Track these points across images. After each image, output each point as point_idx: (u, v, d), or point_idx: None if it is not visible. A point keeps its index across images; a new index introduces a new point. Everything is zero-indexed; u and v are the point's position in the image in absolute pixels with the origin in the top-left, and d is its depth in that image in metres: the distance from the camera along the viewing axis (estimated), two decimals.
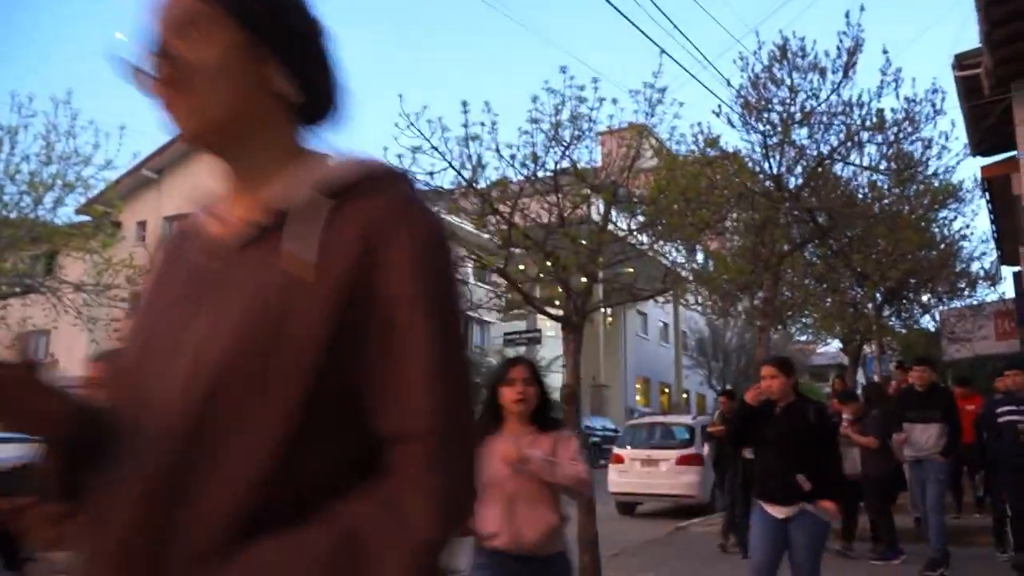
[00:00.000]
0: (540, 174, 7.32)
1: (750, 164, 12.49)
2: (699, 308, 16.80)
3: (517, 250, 7.48)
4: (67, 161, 16.84)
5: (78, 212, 18.46)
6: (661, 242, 12.07)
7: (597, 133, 8.27)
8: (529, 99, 7.48)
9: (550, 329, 37.83)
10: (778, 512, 5.09)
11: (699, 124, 12.02)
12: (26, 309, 17.37)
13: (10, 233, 16.72)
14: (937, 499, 8.35)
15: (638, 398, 43.26)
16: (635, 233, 8.22)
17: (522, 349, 31.58)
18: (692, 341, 40.07)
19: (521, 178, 7.30)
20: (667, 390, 45.19)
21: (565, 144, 7.10)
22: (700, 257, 13.70)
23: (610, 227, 8.07)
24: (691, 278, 11.45)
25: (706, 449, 12.93)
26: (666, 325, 45.29)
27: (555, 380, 35.46)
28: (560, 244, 7.75)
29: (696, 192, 8.79)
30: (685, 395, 44.57)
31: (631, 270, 9.35)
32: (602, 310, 39.87)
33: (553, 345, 37.12)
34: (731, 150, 12.30)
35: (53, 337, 27.68)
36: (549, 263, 7.36)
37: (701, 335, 38.10)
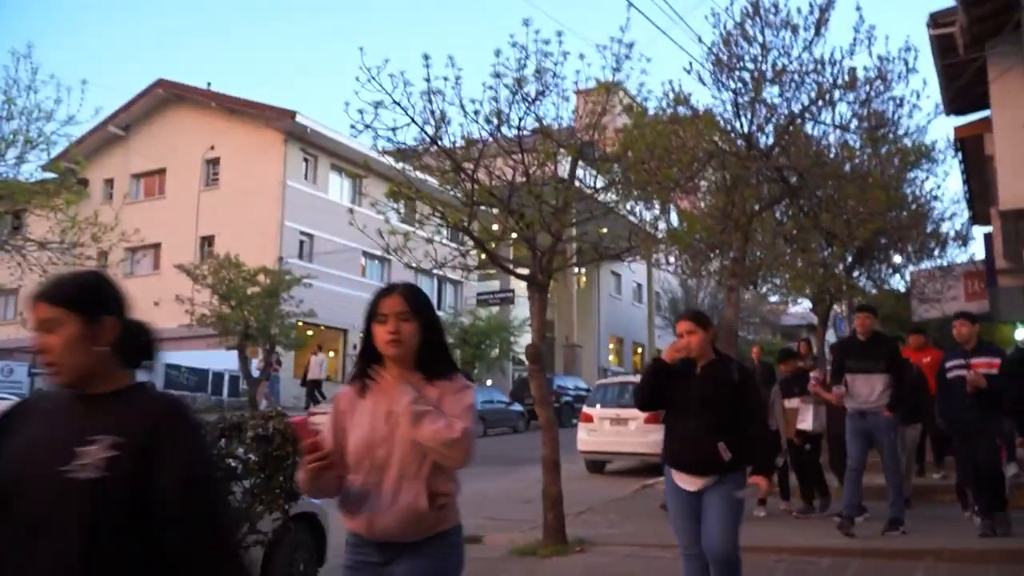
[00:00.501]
0: (505, 130, 7.17)
1: (721, 123, 12.38)
2: (670, 268, 16.78)
3: (481, 208, 7.36)
4: (28, 116, 16.44)
5: (44, 169, 18.12)
6: (632, 202, 12.00)
7: (573, 91, 8.13)
8: (501, 51, 7.30)
9: (524, 289, 37.88)
10: (690, 484, 4.52)
11: (670, 82, 11.88)
12: None
13: None
14: (890, 456, 7.73)
15: (611, 358, 43.47)
16: (602, 191, 8.11)
17: (495, 309, 31.55)
18: (665, 301, 40.20)
19: (486, 135, 7.15)
20: (640, 350, 45.43)
21: (530, 100, 6.94)
22: (673, 217, 13.60)
23: (577, 184, 7.98)
24: (660, 237, 11.35)
25: None
26: (640, 285, 45.40)
27: (528, 339, 35.37)
28: (526, 202, 7.65)
29: (664, 149, 8.68)
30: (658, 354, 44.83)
31: (604, 230, 9.27)
32: (575, 270, 39.94)
33: (527, 305, 37.20)
34: (702, 108, 12.17)
35: (21, 296, 27.36)
36: (514, 221, 7.25)
37: (674, 295, 38.23)
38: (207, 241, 29.52)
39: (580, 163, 8.52)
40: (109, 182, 32.39)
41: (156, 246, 30.56)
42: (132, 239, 19.53)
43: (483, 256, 8.01)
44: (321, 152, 30.19)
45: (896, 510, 7.76)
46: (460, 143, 7.46)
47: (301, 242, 29.41)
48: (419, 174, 8.26)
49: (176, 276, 22.31)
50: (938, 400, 7.98)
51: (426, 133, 7.17)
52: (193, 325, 21.05)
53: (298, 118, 27.92)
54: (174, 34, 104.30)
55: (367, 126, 7.21)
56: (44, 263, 17.41)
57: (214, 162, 30.93)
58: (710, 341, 4.62)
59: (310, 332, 28.95)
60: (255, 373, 21.94)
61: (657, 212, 13.18)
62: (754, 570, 6.83)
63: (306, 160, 30.12)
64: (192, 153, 30.60)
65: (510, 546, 7.87)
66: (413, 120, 7.18)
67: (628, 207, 12.54)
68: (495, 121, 6.98)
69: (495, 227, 7.96)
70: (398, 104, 7.07)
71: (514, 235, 7.44)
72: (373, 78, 7.02)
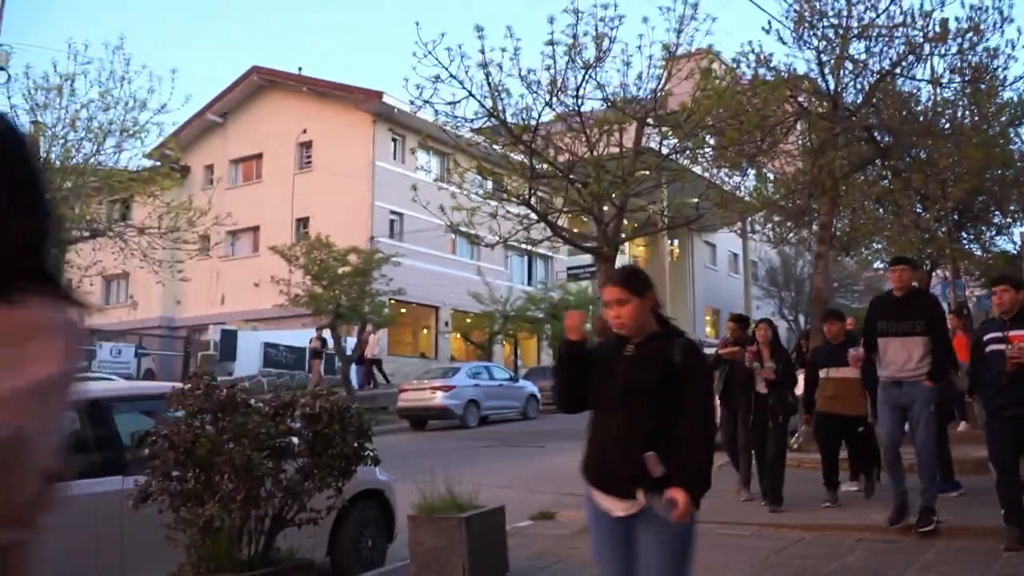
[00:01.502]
0: (564, 99, 7.01)
1: (805, 84, 11.90)
2: (755, 237, 16.27)
3: (543, 180, 7.24)
4: (124, 106, 17.09)
5: (147, 157, 18.86)
6: (713, 168, 11.66)
7: (666, 59, 7.93)
8: (555, 18, 7.15)
9: (617, 262, 37.48)
10: (614, 507, 3.14)
11: (749, 43, 11.47)
12: (95, 253, 17.80)
13: (76, 180, 17.12)
14: (927, 435, 6.57)
15: (708, 329, 42.71)
16: (671, 156, 7.87)
17: (585, 283, 31.34)
18: (763, 271, 39.19)
19: (545, 106, 7.01)
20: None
21: (588, 66, 6.77)
22: (752, 181, 13.17)
23: (642, 153, 7.78)
24: (731, 204, 10.96)
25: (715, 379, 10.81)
26: (736, 255, 44.37)
27: None
28: (589, 173, 7.50)
29: (735, 112, 8.35)
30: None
31: (695, 200, 9.02)
32: (668, 241, 39.22)
33: None
34: (784, 69, 11.70)
35: (131, 281, 28.66)
36: (575, 192, 7.11)
37: (772, 264, 37.22)
38: (302, 223, 30.23)
39: (658, 130, 8.31)
40: (209, 168, 33.49)
41: (255, 229, 31.48)
42: (226, 222, 20.13)
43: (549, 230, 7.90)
44: (409, 131, 30.49)
45: (928, 498, 6.59)
46: (520, 115, 7.35)
47: (391, 221, 29.82)
48: (498, 148, 8.19)
49: (273, 258, 22.93)
50: (972, 377, 6.67)
51: (483, 106, 7.08)
52: (287, 305, 21.60)
53: (385, 98, 28.19)
54: (261, 20, 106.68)
55: (426, 101, 7.17)
56: (144, 247, 18.16)
57: (307, 145, 31.60)
58: (648, 310, 3.23)
59: (403, 310, 29.41)
60: (348, 351, 22.43)
61: (738, 178, 12.81)
62: (834, 548, 6.59)
63: (394, 140, 30.45)
64: (286, 137, 31.33)
65: (581, 523, 7.76)
66: (471, 93, 7.11)
67: (710, 173, 12.24)
68: (551, 92, 6.81)
69: (559, 200, 7.83)
70: (454, 77, 7.00)
71: (575, 207, 7.28)
72: (429, 52, 6.97)
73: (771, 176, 14.36)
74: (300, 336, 24.99)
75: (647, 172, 7.45)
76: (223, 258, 29.91)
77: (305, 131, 31.01)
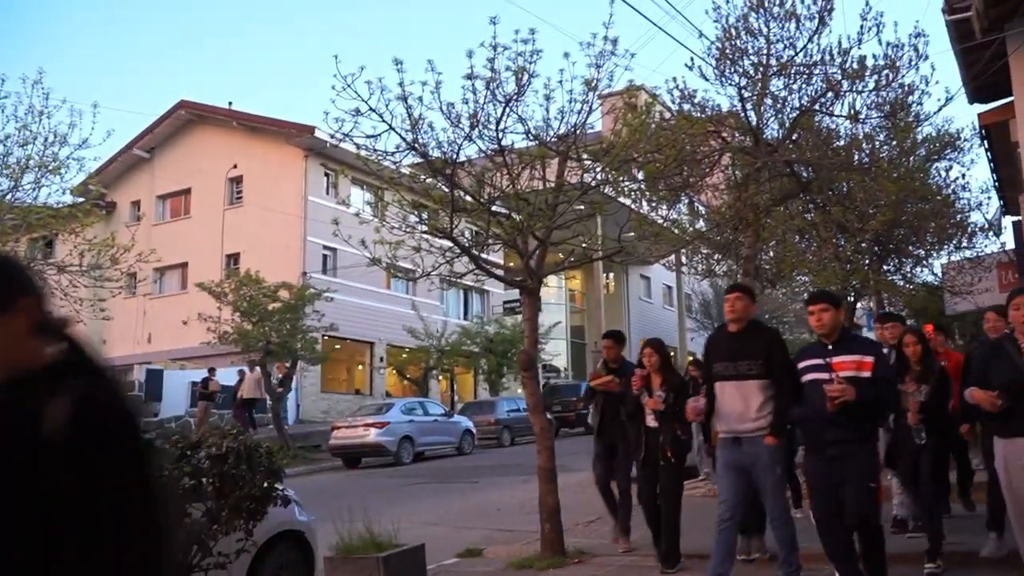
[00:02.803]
0: (485, 133, 7.00)
1: (731, 120, 12.14)
2: (685, 270, 16.50)
3: (464, 214, 7.20)
4: (44, 142, 16.61)
5: (72, 193, 18.32)
6: (641, 201, 11.78)
7: (598, 96, 7.97)
8: (473, 51, 7.14)
9: (551, 296, 37.64)
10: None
11: (673, 79, 11.69)
12: None
13: None
14: (776, 503, 5.48)
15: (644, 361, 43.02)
16: (591, 190, 7.90)
17: (519, 317, 31.37)
18: (696, 304, 39.73)
19: (465, 139, 6.99)
20: (672, 353, 44.98)
21: (505, 101, 6.77)
22: (680, 215, 13.37)
23: (566, 185, 7.79)
24: (661, 236, 11.09)
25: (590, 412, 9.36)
26: (670, 288, 44.97)
27: (556, 346, 35.26)
28: (511, 206, 7.48)
29: (657, 146, 8.46)
30: (691, 357, 44.40)
31: (631, 234, 9.02)
32: (603, 277, 39.59)
33: (555, 312, 36.96)
34: (707, 107, 11.94)
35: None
36: (497, 228, 7.08)
37: (704, 297, 37.77)
38: (232, 259, 29.74)
39: (579, 164, 8.35)
40: (136, 204, 32.82)
41: (183, 265, 30.85)
42: (151, 259, 19.60)
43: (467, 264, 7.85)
44: (342, 166, 30.33)
45: (791, 572, 5.48)
46: (442, 148, 7.31)
47: (324, 256, 29.50)
48: (423, 178, 8.12)
49: (202, 295, 22.43)
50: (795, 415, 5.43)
51: (404, 139, 7.02)
52: (216, 343, 21.12)
53: (317, 133, 28.00)
54: (190, 55, 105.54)
55: (345, 135, 7.09)
56: (64, 286, 17.58)
57: (237, 180, 31.19)
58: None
59: (337, 346, 29.03)
60: (278, 389, 21.95)
61: (665, 211, 12.96)
62: None
63: (327, 175, 30.24)
64: (216, 172, 30.88)
65: (509, 559, 7.67)
66: (391, 127, 7.05)
67: (638, 205, 12.36)
68: (472, 124, 6.80)
69: (474, 227, 7.81)
70: (373, 111, 6.94)
71: (496, 240, 7.25)
72: (348, 85, 6.91)
73: (701, 209, 14.58)
74: (230, 374, 24.46)
75: (568, 204, 7.44)
76: (150, 296, 29.21)
77: (235, 166, 30.62)
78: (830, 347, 5.08)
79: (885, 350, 6.21)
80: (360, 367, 32.33)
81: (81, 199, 18.63)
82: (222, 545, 4.67)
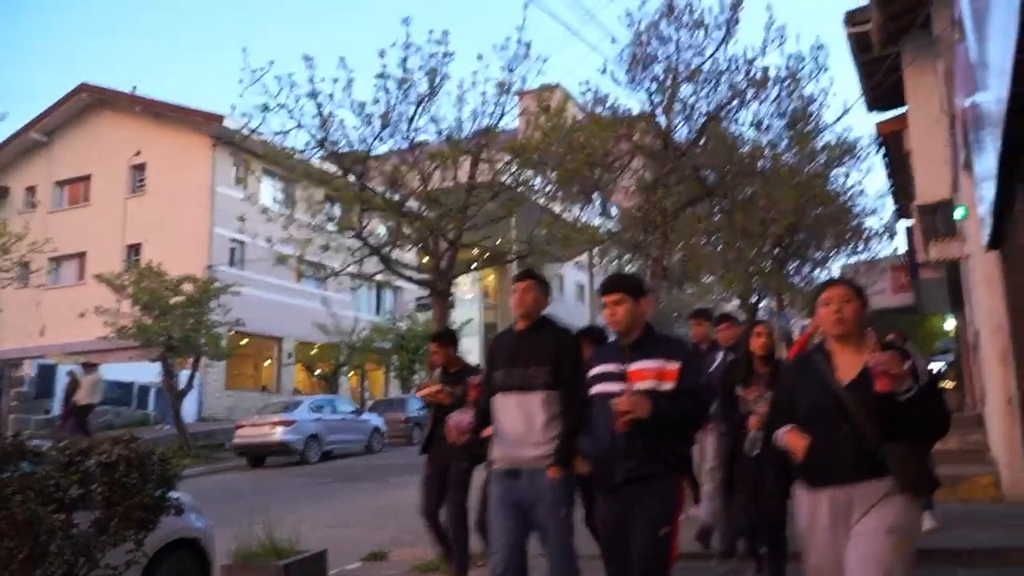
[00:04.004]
0: (397, 132, 6.94)
1: (642, 124, 12.35)
2: (596, 269, 16.71)
3: (374, 213, 7.12)
4: None
5: None
6: (554, 202, 11.86)
7: (515, 92, 7.98)
8: (386, 51, 7.07)
9: (467, 292, 37.61)
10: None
11: (587, 83, 11.84)
12: None
13: None
14: (562, 555, 4.27)
15: None
16: (504, 192, 7.92)
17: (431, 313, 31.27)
18: None
19: (375, 139, 6.91)
20: None
21: (418, 101, 6.72)
22: (593, 216, 13.55)
23: (478, 189, 7.79)
24: (574, 237, 11.24)
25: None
26: (582, 286, 45.46)
27: (469, 343, 35.09)
28: (423, 207, 7.43)
29: (569, 148, 8.53)
30: None
31: (543, 231, 9.05)
32: (514, 271, 39.77)
33: (469, 308, 36.92)
34: (620, 110, 12.13)
35: None
36: (408, 228, 7.03)
37: None
38: (134, 250, 28.75)
39: (489, 165, 8.35)
40: (31, 190, 31.42)
41: (81, 255, 29.69)
42: (46, 248, 18.83)
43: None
44: (251, 156, 29.66)
45: None
46: (353, 146, 7.21)
47: (232, 249, 28.78)
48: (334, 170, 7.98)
49: (101, 286, 21.61)
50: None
51: (313, 136, 6.91)
52: (114, 337, 20.37)
53: (226, 122, 27.28)
54: (97, 37, 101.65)
55: (253, 130, 6.94)
56: None
57: (140, 168, 30.14)
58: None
59: (244, 341, 28.37)
60: (182, 385, 21.32)
61: (578, 212, 13.12)
62: None
63: (236, 165, 29.51)
64: (118, 159, 29.79)
65: (414, 562, 7.61)
66: (300, 124, 6.92)
67: (551, 205, 12.45)
68: (384, 123, 6.73)
69: (383, 230, 7.74)
70: (283, 106, 6.80)
71: (410, 241, 7.20)
72: (257, 80, 6.76)
73: (612, 210, 14.79)
74: (128, 370, 23.64)
75: (480, 206, 7.44)
76: (44, 287, 28.00)
77: (139, 153, 29.58)
78: (628, 349, 3.91)
79: (723, 355, 6.03)
80: (267, 363, 31.69)
81: None
82: (111, 557, 4.49)
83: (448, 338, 6.54)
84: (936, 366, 25.17)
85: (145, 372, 23.12)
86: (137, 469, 4.43)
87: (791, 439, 3.30)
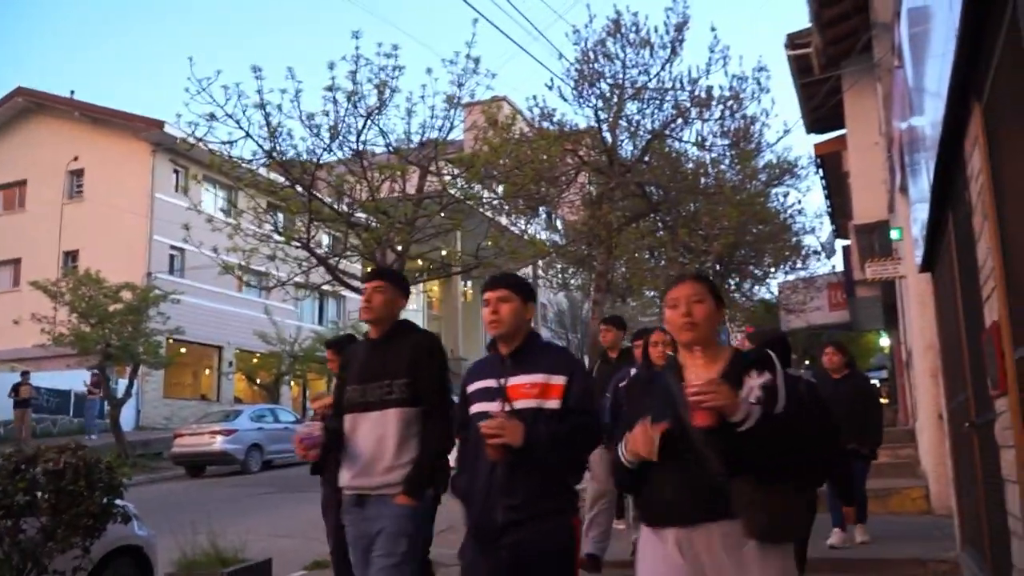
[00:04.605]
0: (344, 145, 7.01)
1: (587, 139, 12.57)
2: (541, 281, 16.91)
3: (322, 223, 7.18)
4: None
5: None
6: (501, 215, 11.99)
7: (455, 101, 8.06)
8: (335, 64, 7.14)
9: (411, 303, 37.52)
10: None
11: (533, 97, 12.03)
12: None
13: None
14: None
15: None
16: (450, 207, 8.03)
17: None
18: (552, 313, 40.53)
19: (324, 151, 6.98)
20: None
21: (367, 113, 6.81)
22: (538, 228, 13.73)
23: (426, 201, 7.89)
24: (520, 249, 11.38)
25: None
26: None
27: None
28: (371, 218, 7.51)
29: (516, 162, 8.69)
30: None
31: (488, 243, 9.16)
32: (462, 284, 39.86)
33: (413, 318, 36.88)
34: (567, 126, 12.33)
35: None
36: (357, 239, 7.10)
37: (560, 307, 38.59)
38: (71, 256, 28.14)
39: (439, 178, 8.45)
40: None
41: (16, 261, 28.96)
42: None
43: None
44: (192, 163, 29.27)
45: None
46: (301, 158, 7.26)
47: (172, 256, 28.33)
48: (252, 190, 7.99)
49: (36, 293, 21.14)
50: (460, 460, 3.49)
51: (261, 147, 6.94)
52: (50, 345, 19.94)
53: (167, 128, 26.89)
54: (33, 43, 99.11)
55: (199, 139, 6.95)
56: None
57: (78, 173, 29.54)
58: None
59: (183, 350, 27.93)
60: (119, 394, 20.93)
61: (524, 224, 13.30)
62: None
63: (176, 171, 29.10)
64: (55, 164, 29.15)
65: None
66: (248, 134, 6.96)
67: (497, 219, 12.59)
68: (332, 135, 6.80)
69: (334, 237, 7.79)
70: (230, 116, 6.83)
71: (354, 251, 7.26)
72: (203, 89, 6.77)
73: (558, 224, 14.99)
74: (64, 378, 23.14)
75: (428, 218, 7.55)
76: None
77: (76, 158, 28.99)
78: (508, 361, 3.26)
79: (636, 372, 5.26)
80: (207, 372, 31.23)
81: None
82: (58, 563, 4.49)
83: (342, 346, 5.57)
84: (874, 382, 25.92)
85: (81, 380, 22.66)
86: (84, 477, 4.44)
87: (636, 437, 2.51)
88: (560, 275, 15.92)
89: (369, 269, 7.69)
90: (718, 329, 2.72)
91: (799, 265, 19.24)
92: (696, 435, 2.44)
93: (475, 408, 3.26)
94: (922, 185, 5.25)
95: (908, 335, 12.00)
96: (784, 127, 13.96)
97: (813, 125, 16.35)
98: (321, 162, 7.17)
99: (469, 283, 41.25)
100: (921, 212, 5.71)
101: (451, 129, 7.56)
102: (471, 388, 3.35)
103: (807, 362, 25.66)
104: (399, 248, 7.38)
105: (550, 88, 11.99)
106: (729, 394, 2.54)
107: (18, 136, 30.31)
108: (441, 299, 41.45)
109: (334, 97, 6.82)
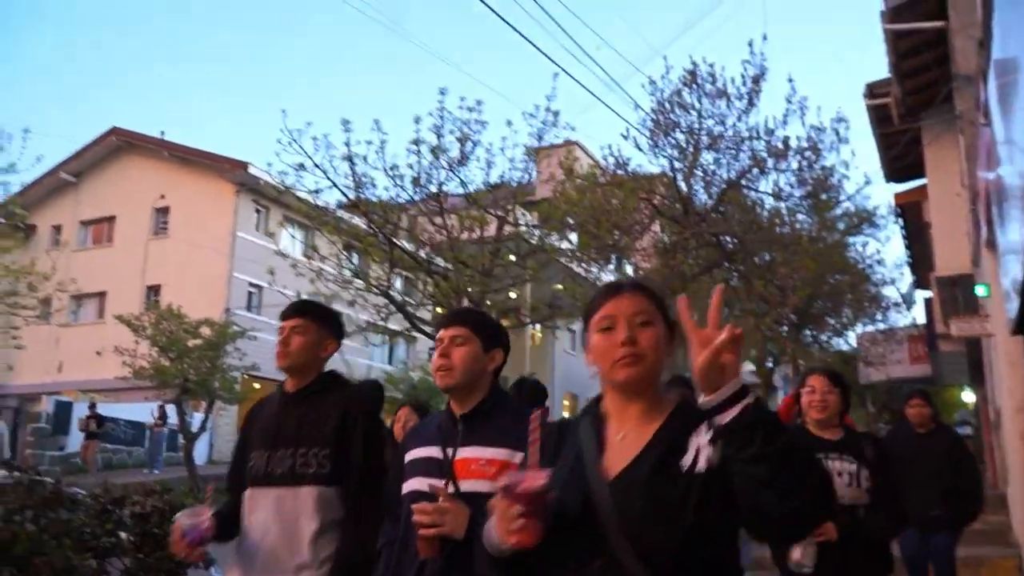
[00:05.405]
0: (427, 194, 7.14)
1: (661, 188, 12.55)
2: None
3: (402, 271, 7.30)
4: None
5: None
6: (574, 262, 12.02)
7: (532, 150, 8.18)
8: (421, 118, 7.31)
9: None
10: None
11: (608, 146, 12.08)
12: None
13: None
14: None
15: (565, 414, 43.32)
16: (529, 256, 8.09)
17: None
18: None
19: (408, 201, 7.13)
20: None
21: (449, 166, 6.94)
22: (610, 276, 13.68)
23: (505, 247, 7.96)
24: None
25: None
26: None
27: None
28: (449, 266, 7.60)
29: (599, 210, 8.72)
30: None
31: (559, 285, 9.20)
32: (530, 328, 39.94)
33: None
34: (640, 173, 12.35)
35: None
36: (436, 286, 7.19)
37: None
38: (153, 291, 29.05)
39: (515, 228, 8.52)
40: (57, 228, 31.90)
41: (101, 294, 30.02)
42: (70, 288, 19.11)
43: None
44: (274, 204, 30.08)
45: None
46: (383, 206, 7.41)
47: (250, 294, 29.05)
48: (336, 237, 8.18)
49: (119, 326, 21.84)
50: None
51: (346, 196, 7.12)
52: (130, 377, 20.54)
53: (250, 169, 27.75)
54: (128, 85, 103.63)
55: (287, 187, 7.16)
56: None
57: (164, 211, 30.61)
58: None
59: (257, 385, 28.47)
60: (194, 428, 21.38)
61: (597, 271, 13.26)
62: None
63: (258, 211, 29.93)
64: (142, 202, 30.28)
65: None
66: (334, 184, 7.14)
67: (572, 266, 12.62)
68: (414, 188, 6.94)
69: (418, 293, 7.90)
70: (319, 167, 7.02)
71: (435, 299, 7.35)
72: (294, 140, 6.99)
73: (630, 271, 14.93)
74: (142, 410, 23.76)
75: (504, 268, 7.62)
76: (64, 324, 28.31)
77: (163, 196, 30.07)
78: (460, 425, 2.51)
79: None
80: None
81: (1, 220, 18.17)
82: None
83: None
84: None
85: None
86: (169, 521, 4.54)
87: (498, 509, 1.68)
88: None
89: (439, 311, 7.68)
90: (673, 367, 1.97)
91: (879, 317, 18.77)
92: (614, 522, 1.62)
93: (409, 485, 2.47)
94: (1012, 236, 4.98)
95: (996, 394, 11.57)
96: (865, 179, 13.68)
97: (893, 174, 16.04)
98: (401, 206, 7.30)
99: (537, 326, 41.27)
100: (1011, 264, 5.33)
101: (529, 179, 7.64)
102: (409, 456, 2.55)
103: (886, 417, 24.89)
104: (475, 298, 7.44)
105: (625, 138, 12.03)
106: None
107: (110, 173, 31.59)
108: (512, 345, 41.45)
109: (418, 149, 6.97)
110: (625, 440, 1.74)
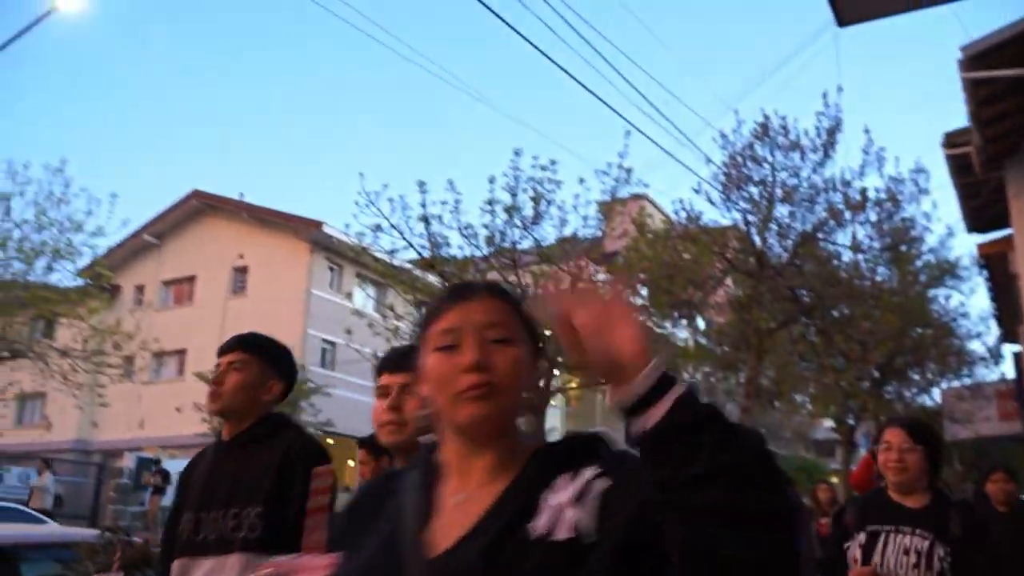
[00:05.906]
0: (499, 251, 7.21)
1: (734, 242, 12.43)
2: None
3: None
4: (60, 227, 16.99)
5: (79, 276, 18.53)
6: (644, 317, 11.92)
7: (603, 204, 8.22)
8: (496, 178, 7.42)
9: (552, 400, 37.44)
10: None
11: (680, 200, 12.03)
12: (12, 373, 17.30)
13: (1, 296, 16.76)
14: None
15: None
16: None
17: (520, 420, 31.14)
18: None
19: (480, 256, 7.20)
20: None
21: (523, 225, 7.00)
22: (684, 333, 13.54)
23: None
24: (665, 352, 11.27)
25: None
26: None
27: None
28: None
29: (672, 266, 8.67)
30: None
31: None
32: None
33: (551, 415, 36.71)
34: (713, 228, 12.26)
35: (48, 400, 27.55)
36: None
37: None
38: None
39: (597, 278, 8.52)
40: (140, 288, 32.99)
41: (181, 352, 30.82)
42: (153, 346, 19.68)
43: None
44: (347, 262, 30.68)
45: None
46: (457, 265, 7.50)
47: (324, 350, 29.52)
48: (410, 296, 8.27)
49: (199, 383, 22.36)
50: None
51: (421, 255, 7.22)
52: (210, 433, 20.95)
53: (325, 228, 28.42)
54: (205, 145, 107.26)
55: (364, 249, 7.30)
56: (66, 370, 17.61)
57: (242, 270, 31.45)
58: None
59: (331, 441, 28.73)
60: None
61: (669, 327, 13.14)
62: None
63: (331, 269, 30.55)
64: (222, 261, 31.17)
65: None
66: (410, 244, 7.25)
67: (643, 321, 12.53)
68: (487, 247, 7.01)
69: None
70: (395, 228, 7.16)
71: None
72: (371, 202, 7.14)
73: (702, 326, 14.76)
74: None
75: None
76: (146, 382, 29.11)
77: (241, 256, 30.92)
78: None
79: None
80: (351, 463, 31.95)
81: (88, 281, 18.87)
82: None
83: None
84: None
85: None
86: None
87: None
88: (707, 378, 15.57)
89: None
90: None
91: (964, 372, 18.09)
92: None
93: None
94: None
95: None
96: (947, 230, 13.33)
97: (975, 224, 15.58)
98: (474, 262, 7.38)
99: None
100: None
101: (603, 238, 7.66)
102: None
103: (974, 476, 23.80)
104: (550, 356, 7.43)
105: (697, 192, 11.99)
106: None
107: (191, 234, 32.67)
108: (578, 397, 41.15)
109: (492, 209, 7.05)
110: (464, 504, 1.21)
